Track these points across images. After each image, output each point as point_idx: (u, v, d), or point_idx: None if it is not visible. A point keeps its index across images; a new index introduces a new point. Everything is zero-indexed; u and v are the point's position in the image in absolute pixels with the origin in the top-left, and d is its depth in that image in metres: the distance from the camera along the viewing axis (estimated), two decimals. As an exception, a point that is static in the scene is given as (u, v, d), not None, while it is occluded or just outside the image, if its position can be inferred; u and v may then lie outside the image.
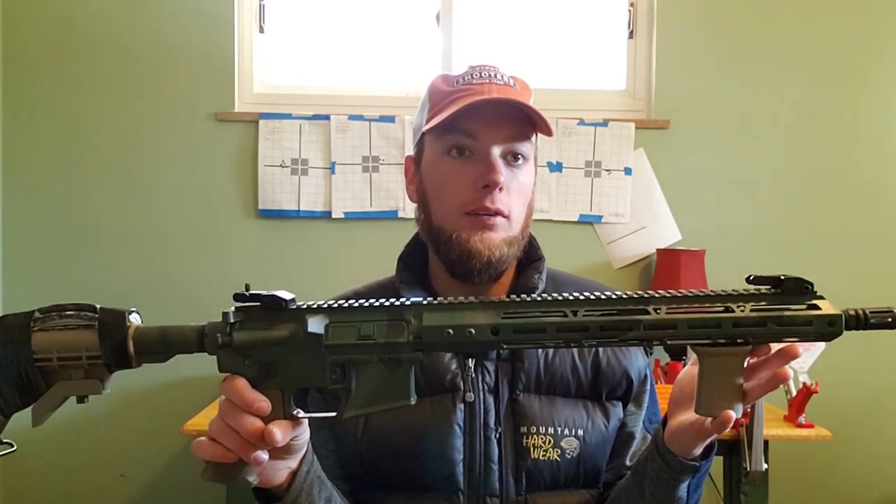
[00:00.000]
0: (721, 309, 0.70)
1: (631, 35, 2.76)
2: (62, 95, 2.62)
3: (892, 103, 2.72)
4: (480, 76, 0.97)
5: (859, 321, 0.70)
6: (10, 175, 2.63)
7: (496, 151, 0.94)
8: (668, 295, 0.72)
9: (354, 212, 2.65)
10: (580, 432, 0.96)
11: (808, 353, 2.15)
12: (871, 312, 0.70)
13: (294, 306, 0.73)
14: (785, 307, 0.70)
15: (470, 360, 0.97)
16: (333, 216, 2.64)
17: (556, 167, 2.67)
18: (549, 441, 0.95)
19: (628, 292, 0.73)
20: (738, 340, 0.71)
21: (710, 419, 0.74)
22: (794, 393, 2.12)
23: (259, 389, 0.72)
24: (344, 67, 2.80)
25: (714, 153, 2.70)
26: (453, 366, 0.97)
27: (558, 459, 0.95)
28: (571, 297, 0.72)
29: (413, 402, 0.73)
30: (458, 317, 0.71)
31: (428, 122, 0.97)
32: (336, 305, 0.74)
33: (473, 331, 0.71)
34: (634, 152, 2.68)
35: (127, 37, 2.62)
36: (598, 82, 2.81)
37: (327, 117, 2.64)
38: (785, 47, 2.69)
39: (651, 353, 1.05)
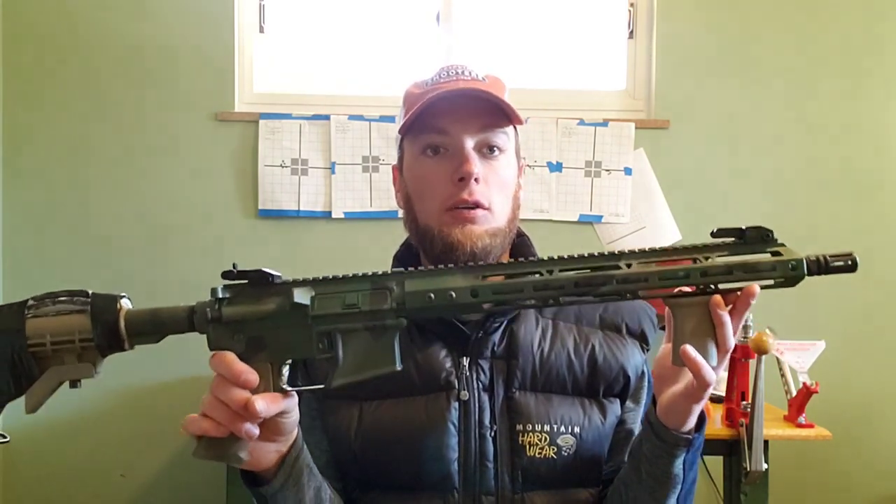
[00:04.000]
0: (689, 260, 0.74)
1: (631, 35, 2.76)
2: (62, 95, 2.62)
3: (893, 103, 2.71)
4: (448, 75, 0.99)
5: (820, 266, 0.74)
6: (10, 175, 2.63)
7: (469, 144, 0.95)
8: (637, 251, 0.76)
9: (354, 212, 2.65)
10: (577, 430, 0.96)
11: (808, 353, 2.15)
12: (831, 256, 0.74)
13: (280, 281, 0.76)
14: (749, 254, 0.74)
15: (464, 358, 0.97)
16: (333, 216, 2.64)
17: (556, 167, 2.67)
18: (546, 439, 0.95)
19: (600, 251, 0.76)
20: (707, 289, 0.75)
21: (694, 380, 0.77)
22: (794, 393, 2.12)
23: (248, 364, 0.74)
24: (344, 67, 2.80)
25: (714, 153, 2.69)
26: (448, 364, 0.97)
27: (555, 457, 0.95)
28: (546, 258, 0.76)
29: (399, 369, 0.75)
30: (439, 281, 0.74)
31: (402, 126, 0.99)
32: (321, 278, 0.76)
33: (454, 294, 0.73)
34: (634, 152, 2.68)
35: (127, 37, 2.62)
36: (598, 82, 2.80)
37: (327, 117, 2.64)
38: (785, 47, 2.69)
39: (648, 350, 1.05)
